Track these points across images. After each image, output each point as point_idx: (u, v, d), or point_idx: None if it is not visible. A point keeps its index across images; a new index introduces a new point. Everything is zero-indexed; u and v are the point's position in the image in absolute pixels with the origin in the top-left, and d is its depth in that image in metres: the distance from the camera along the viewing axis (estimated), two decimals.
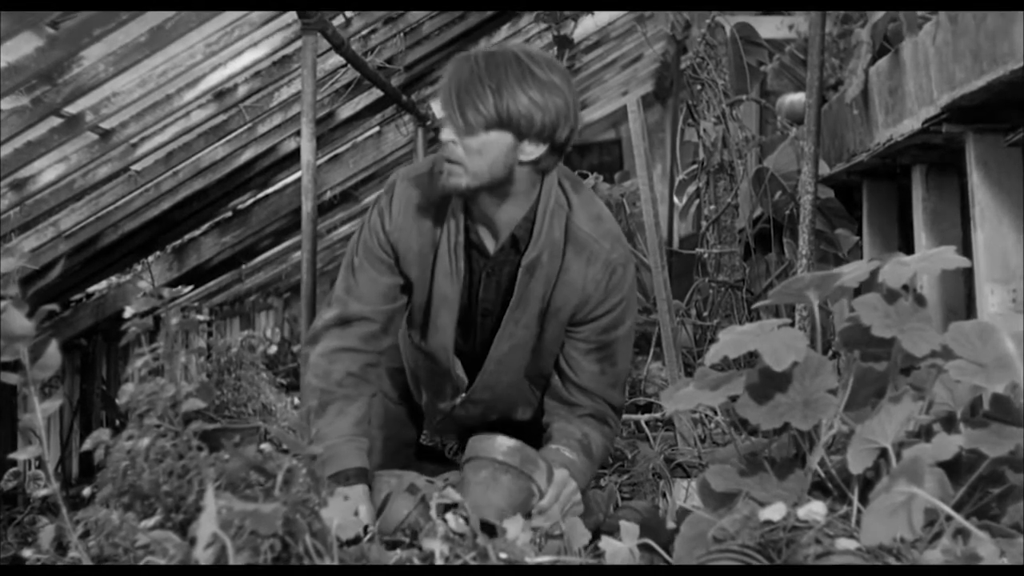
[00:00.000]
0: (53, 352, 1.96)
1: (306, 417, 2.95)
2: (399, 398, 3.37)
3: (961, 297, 4.60)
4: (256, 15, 4.35)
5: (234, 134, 5.63)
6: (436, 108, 2.82)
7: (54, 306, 2.11)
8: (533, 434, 3.00)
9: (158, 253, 6.91)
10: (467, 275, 2.98)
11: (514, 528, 2.30)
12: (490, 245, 2.96)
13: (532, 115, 2.73)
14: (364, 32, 5.43)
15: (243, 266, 8.98)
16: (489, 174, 2.80)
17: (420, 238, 2.96)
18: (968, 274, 4.27)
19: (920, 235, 4.71)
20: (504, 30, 6.36)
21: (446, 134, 2.76)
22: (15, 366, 1.93)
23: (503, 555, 2.06)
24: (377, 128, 7.10)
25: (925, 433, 2.06)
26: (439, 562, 2.04)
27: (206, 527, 1.66)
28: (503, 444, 2.67)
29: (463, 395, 3.15)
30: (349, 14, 5.05)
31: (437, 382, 3.18)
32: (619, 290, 2.97)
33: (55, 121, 4.26)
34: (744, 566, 1.81)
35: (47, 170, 4.68)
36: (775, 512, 1.94)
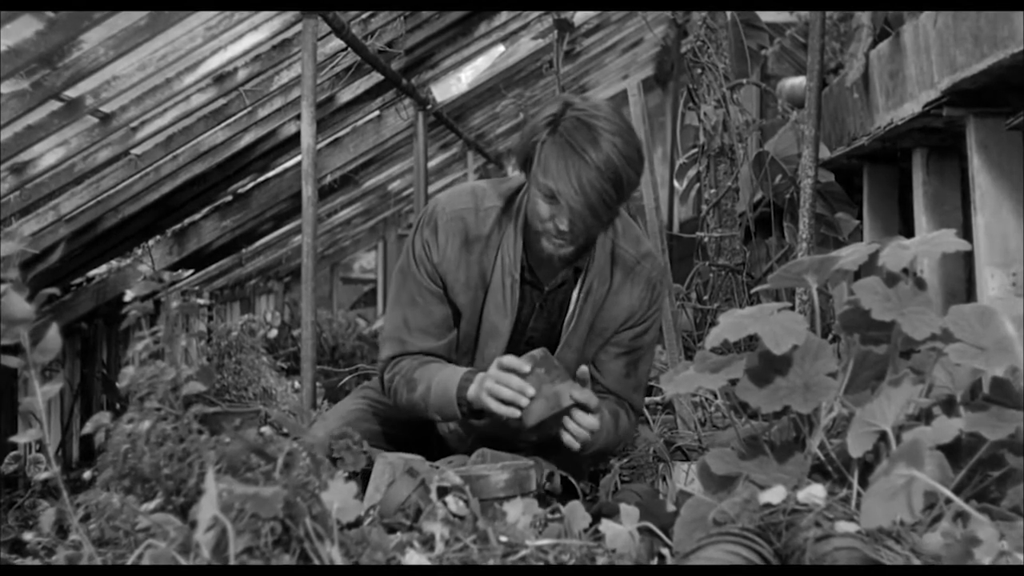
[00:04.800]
0: (53, 336, 1.96)
1: (409, 406, 3.06)
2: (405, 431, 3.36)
3: (961, 280, 4.60)
4: None
5: (234, 118, 5.63)
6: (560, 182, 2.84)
7: (54, 290, 2.12)
8: (551, 450, 3.06)
9: (158, 237, 6.91)
10: (518, 308, 3.07)
11: (514, 511, 2.30)
12: (546, 281, 3.07)
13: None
14: (364, 16, 5.42)
15: (243, 250, 8.98)
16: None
17: (467, 269, 3.03)
18: (968, 258, 4.28)
19: (920, 218, 4.72)
20: (504, 14, 6.34)
21: (565, 224, 2.83)
22: (16, 349, 1.93)
23: (503, 538, 2.06)
24: (377, 112, 7.09)
25: (925, 416, 2.06)
26: (439, 545, 2.04)
27: (207, 510, 1.66)
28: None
29: None
30: None
31: None
32: (657, 303, 3.15)
33: (55, 105, 4.25)
34: (744, 566, 1.81)
35: (47, 154, 4.68)
36: (775, 495, 1.94)
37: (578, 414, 2.88)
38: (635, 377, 3.17)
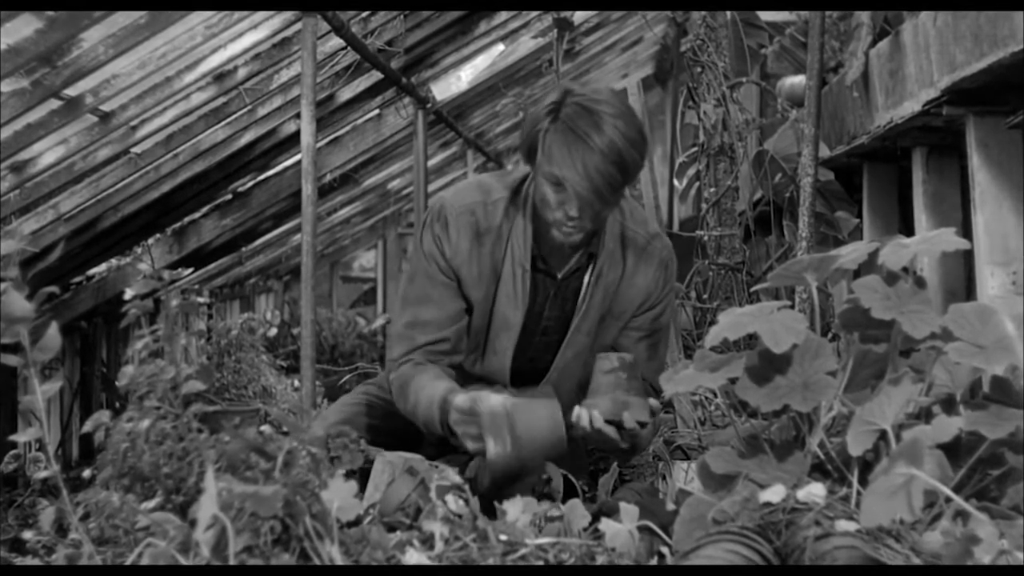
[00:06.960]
0: (53, 334, 1.95)
1: (404, 414, 3.03)
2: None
3: (961, 279, 4.60)
4: None
5: (234, 116, 5.63)
6: (574, 176, 2.83)
7: (54, 288, 2.11)
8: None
9: (158, 235, 6.92)
10: (532, 298, 3.07)
11: (514, 509, 2.30)
12: (558, 268, 3.06)
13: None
14: (364, 14, 5.42)
15: (243, 248, 8.98)
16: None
17: (479, 263, 3.03)
18: (968, 256, 4.27)
19: (920, 217, 4.71)
20: (503, 12, 6.34)
21: (575, 210, 2.84)
22: (15, 348, 1.93)
23: (503, 536, 2.06)
24: (377, 111, 7.09)
25: (925, 415, 2.06)
26: (439, 543, 2.04)
27: (206, 509, 1.66)
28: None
29: None
30: None
31: None
32: (670, 282, 3.16)
33: (55, 103, 4.26)
34: (744, 566, 1.81)
35: (47, 152, 4.68)
36: (775, 494, 1.94)
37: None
38: (656, 359, 3.18)
